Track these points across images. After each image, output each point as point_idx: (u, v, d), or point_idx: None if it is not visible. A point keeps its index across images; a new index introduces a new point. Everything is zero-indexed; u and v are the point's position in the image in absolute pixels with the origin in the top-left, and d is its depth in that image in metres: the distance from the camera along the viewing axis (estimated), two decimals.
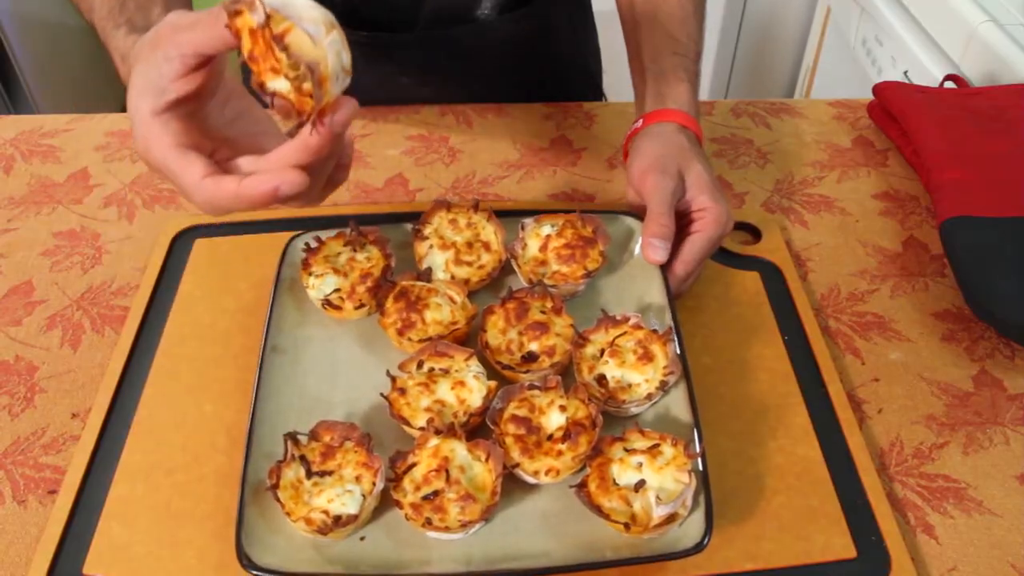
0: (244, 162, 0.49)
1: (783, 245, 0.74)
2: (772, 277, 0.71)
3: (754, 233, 0.76)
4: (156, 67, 0.47)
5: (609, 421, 0.58)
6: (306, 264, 0.65)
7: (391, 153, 0.86)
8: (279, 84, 0.44)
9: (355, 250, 0.67)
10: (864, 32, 1.50)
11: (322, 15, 0.44)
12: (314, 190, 0.50)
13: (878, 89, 0.88)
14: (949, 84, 0.92)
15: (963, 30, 1.14)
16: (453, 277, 0.65)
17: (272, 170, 0.47)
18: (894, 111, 0.86)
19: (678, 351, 0.60)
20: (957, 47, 1.16)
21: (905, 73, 1.30)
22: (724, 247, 0.73)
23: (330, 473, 0.54)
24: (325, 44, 0.43)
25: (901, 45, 1.32)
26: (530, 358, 0.60)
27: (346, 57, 0.45)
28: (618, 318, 0.62)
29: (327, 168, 0.50)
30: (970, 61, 1.13)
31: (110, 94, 2.64)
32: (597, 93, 1.08)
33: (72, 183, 0.82)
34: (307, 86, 0.43)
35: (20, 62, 2.09)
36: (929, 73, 1.21)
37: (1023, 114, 0.81)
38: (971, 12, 1.14)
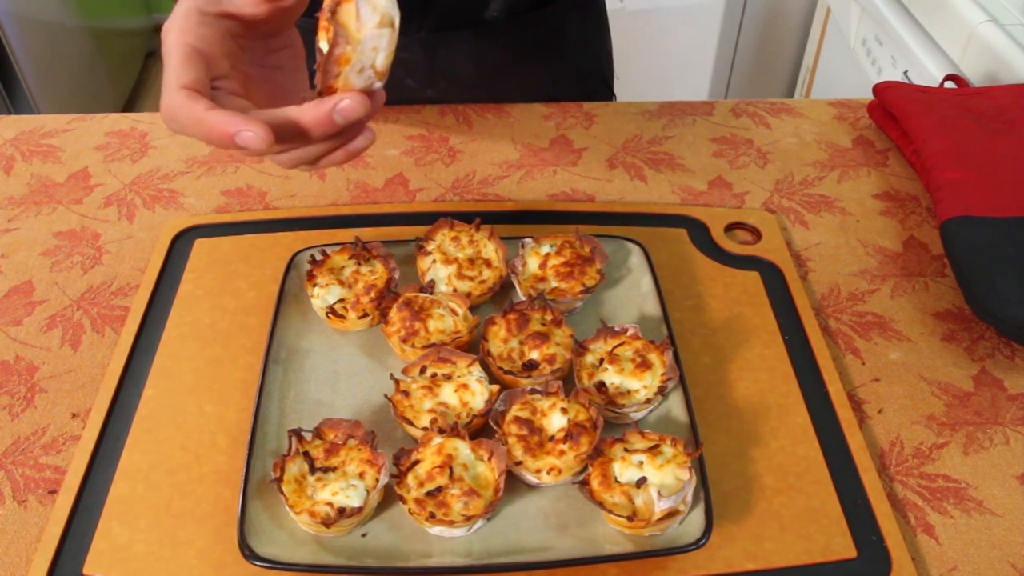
0: (235, 102, 0.48)
1: (783, 245, 0.74)
2: (772, 277, 0.71)
3: (754, 233, 0.76)
4: None
5: (610, 427, 0.59)
6: (311, 275, 0.66)
7: (391, 153, 0.86)
8: (322, 44, 0.44)
9: (359, 263, 0.67)
10: (864, 32, 1.50)
11: (386, 7, 0.43)
12: (293, 158, 0.49)
13: (878, 89, 0.88)
14: (949, 84, 0.92)
15: (963, 30, 1.14)
16: (455, 291, 0.65)
17: (243, 117, 0.44)
18: (894, 111, 0.86)
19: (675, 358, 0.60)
20: (957, 47, 1.16)
21: (905, 73, 1.30)
22: (724, 247, 0.73)
23: (333, 469, 0.54)
24: (365, 31, 0.43)
25: (901, 45, 1.32)
26: (531, 366, 0.60)
27: (381, 58, 0.44)
28: (616, 329, 0.62)
29: (316, 146, 0.49)
30: (970, 61, 1.13)
31: (110, 94, 2.65)
32: (609, 93, 1.06)
33: (72, 183, 0.82)
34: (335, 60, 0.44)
35: (20, 62, 2.09)
36: (929, 73, 1.21)
37: (1023, 114, 0.81)
38: (971, 12, 1.14)
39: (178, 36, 0.46)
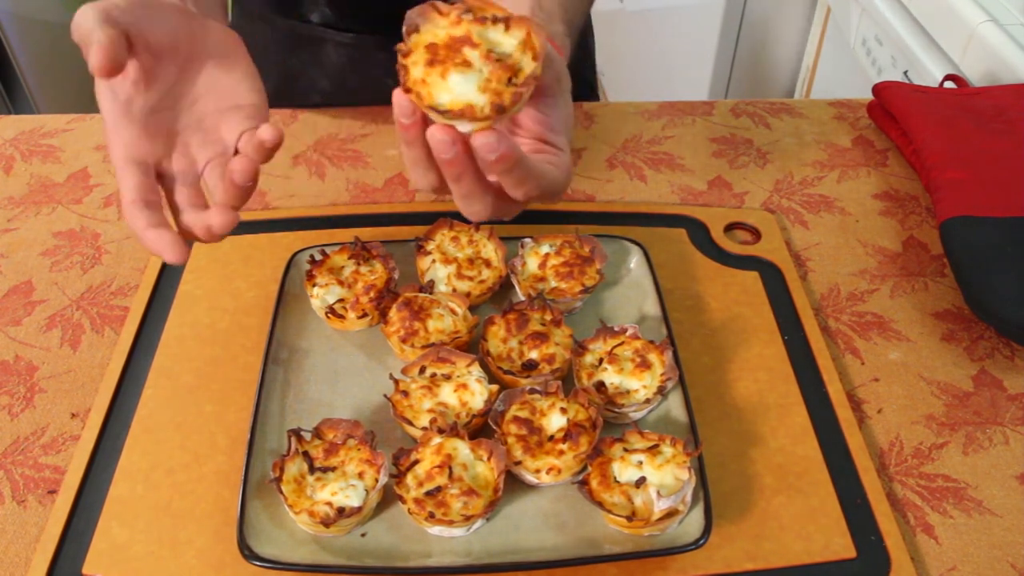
0: (180, 195, 0.52)
1: (783, 245, 0.74)
2: (772, 277, 0.71)
3: (754, 233, 0.76)
4: None
5: (609, 427, 0.59)
6: (310, 275, 0.66)
7: (391, 153, 0.86)
8: (463, 85, 0.39)
9: (359, 263, 0.67)
10: (864, 32, 1.50)
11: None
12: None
13: (878, 89, 0.88)
14: (949, 84, 0.92)
15: (963, 30, 1.14)
16: (455, 290, 0.65)
17: (162, 231, 0.48)
18: (894, 111, 0.86)
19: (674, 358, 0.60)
20: (957, 47, 1.16)
21: (905, 73, 1.30)
22: (724, 247, 0.73)
23: (333, 469, 0.54)
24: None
25: (901, 45, 1.31)
26: (530, 366, 0.60)
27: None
28: (616, 329, 0.62)
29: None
30: (970, 61, 1.13)
31: None
32: (592, 94, 1.07)
33: (72, 183, 0.82)
34: (497, 79, 0.39)
35: (20, 62, 2.09)
36: (929, 73, 1.21)
37: (1023, 114, 0.81)
38: (971, 12, 1.14)
39: (112, 155, 0.50)
